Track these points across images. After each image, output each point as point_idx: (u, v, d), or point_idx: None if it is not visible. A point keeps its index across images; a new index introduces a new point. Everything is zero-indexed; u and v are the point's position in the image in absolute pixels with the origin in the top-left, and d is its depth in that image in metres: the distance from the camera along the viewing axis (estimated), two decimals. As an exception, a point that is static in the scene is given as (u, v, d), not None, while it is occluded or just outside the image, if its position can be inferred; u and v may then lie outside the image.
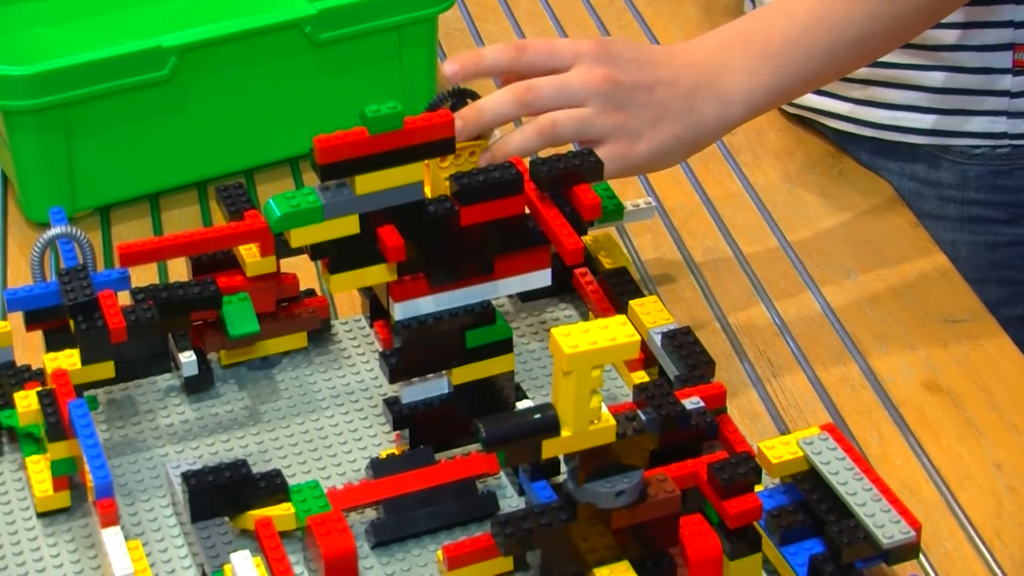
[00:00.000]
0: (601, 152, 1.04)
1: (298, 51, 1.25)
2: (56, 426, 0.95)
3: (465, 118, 1.03)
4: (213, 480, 0.92)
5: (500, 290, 0.98)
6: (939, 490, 0.99)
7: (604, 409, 0.83)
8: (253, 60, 1.24)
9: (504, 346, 0.98)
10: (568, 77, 1.05)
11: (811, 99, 1.31)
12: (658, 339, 1.02)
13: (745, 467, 0.89)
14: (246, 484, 0.93)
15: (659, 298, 1.09)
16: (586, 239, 1.12)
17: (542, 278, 0.99)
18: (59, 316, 1.02)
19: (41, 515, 0.97)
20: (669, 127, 1.06)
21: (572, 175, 1.08)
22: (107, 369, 1.00)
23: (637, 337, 0.80)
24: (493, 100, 1.03)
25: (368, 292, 1.04)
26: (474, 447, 1.00)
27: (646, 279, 1.17)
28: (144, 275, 1.17)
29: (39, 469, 0.97)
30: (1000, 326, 1.13)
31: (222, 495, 0.92)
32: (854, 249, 1.20)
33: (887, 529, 0.87)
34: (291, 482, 0.98)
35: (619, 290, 1.07)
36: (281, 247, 1.02)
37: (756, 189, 1.27)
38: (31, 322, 1.02)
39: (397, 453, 0.98)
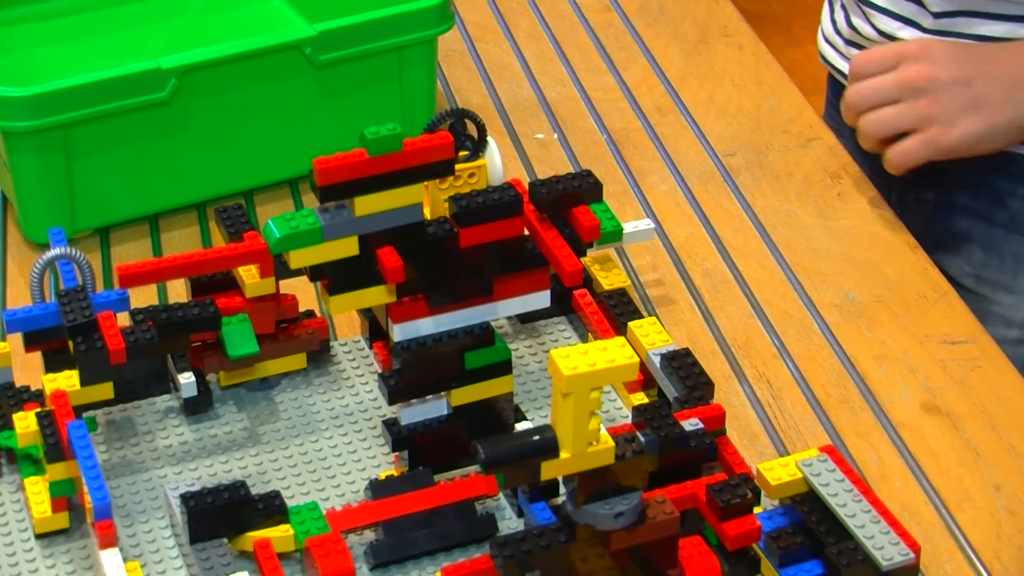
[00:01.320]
0: (912, 140, 1.13)
1: (298, 72, 1.25)
2: (55, 447, 0.95)
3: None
4: (212, 502, 0.92)
5: (499, 311, 0.98)
6: (938, 512, 0.99)
7: (603, 431, 0.83)
8: (253, 81, 1.24)
9: (503, 368, 0.98)
10: (884, 80, 1.16)
11: None
12: (657, 361, 1.02)
13: (744, 489, 0.89)
14: (245, 506, 0.92)
15: (658, 320, 1.09)
16: (585, 260, 1.12)
17: (541, 299, 0.99)
18: (58, 337, 1.02)
19: (39, 536, 0.97)
20: (986, 115, 1.13)
21: (571, 197, 1.08)
22: (106, 390, 1.00)
23: (635, 359, 0.80)
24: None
25: (367, 313, 1.04)
26: (473, 468, 1.00)
27: (645, 301, 1.17)
28: (144, 296, 1.17)
29: (38, 490, 0.97)
30: (999, 348, 1.13)
31: (221, 517, 0.92)
32: (853, 270, 1.20)
33: (886, 551, 0.87)
34: (290, 503, 0.98)
35: (618, 311, 1.08)
36: (280, 268, 1.03)
37: (755, 211, 1.27)
38: (30, 343, 1.02)
39: (396, 474, 0.98)
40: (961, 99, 1.15)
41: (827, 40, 1.48)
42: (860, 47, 1.41)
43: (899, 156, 1.16)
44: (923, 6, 1.32)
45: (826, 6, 1.50)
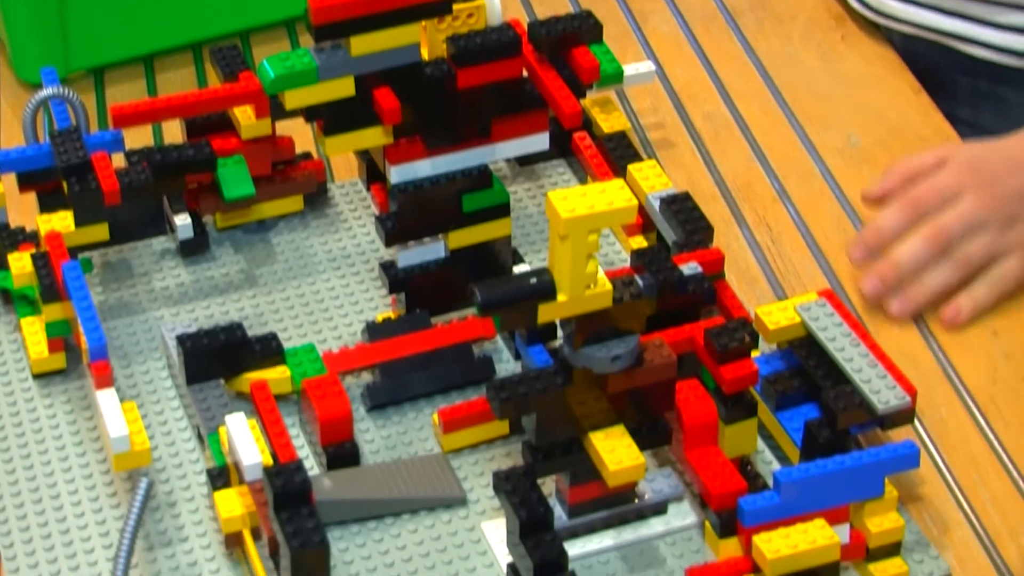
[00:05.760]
0: (1011, 262, 1.02)
1: (294, -91, 1.23)
2: (50, 288, 0.95)
3: (867, 243, 1.03)
4: (208, 343, 0.92)
5: (497, 153, 0.97)
6: (935, 356, 0.99)
7: (601, 274, 0.82)
8: (248, -82, 1.22)
9: (501, 210, 0.97)
10: (963, 211, 1.02)
11: (958, 25, 1.26)
12: (656, 204, 1.02)
13: (742, 333, 0.89)
14: (241, 347, 0.93)
15: (658, 163, 1.08)
16: (585, 103, 1.11)
17: (540, 142, 0.98)
18: (52, 178, 1.01)
19: (37, 377, 0.97)
20: None
21: (571, 37, 1.07)
22: (101, 231, 1.00)
23: (634, 201, 0.79)
24: (907, 248, 1.02)
25: (365, 155, 1.03)
26: (470, 311, 0.99)
27: (645, 144, 1.16)
28: (139, 139, 1.16)
29: (34, 331, 0.97)
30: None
31: (217, 358, 0.92)
32: (856, 114, 1.19)
33: (882, 395, 0.87)
34: (287, 346, 0.98)
35: (617, 154, 1.07)
36: (276, 109, 1.02)
37: (757, 53, 1.26)
38: (24, 183, 1.02)
39: (393, 317, 0.98)
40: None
41: None
42: None
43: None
44: None
45: None
